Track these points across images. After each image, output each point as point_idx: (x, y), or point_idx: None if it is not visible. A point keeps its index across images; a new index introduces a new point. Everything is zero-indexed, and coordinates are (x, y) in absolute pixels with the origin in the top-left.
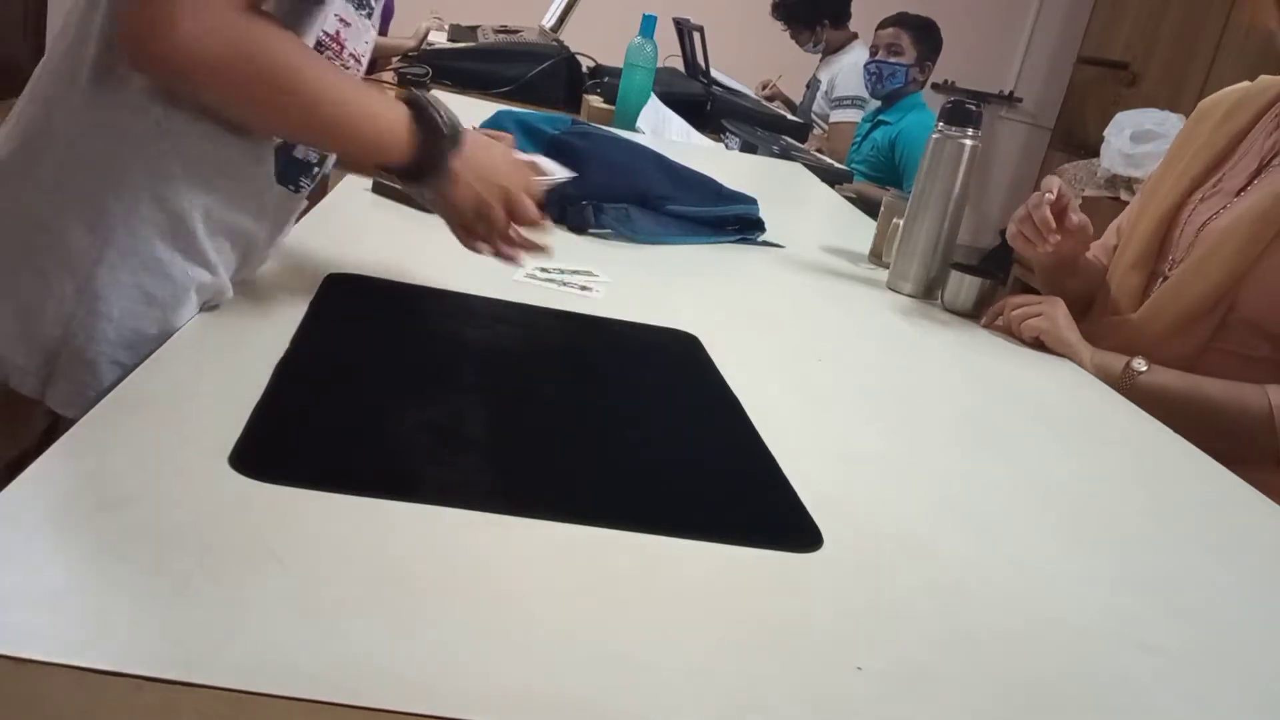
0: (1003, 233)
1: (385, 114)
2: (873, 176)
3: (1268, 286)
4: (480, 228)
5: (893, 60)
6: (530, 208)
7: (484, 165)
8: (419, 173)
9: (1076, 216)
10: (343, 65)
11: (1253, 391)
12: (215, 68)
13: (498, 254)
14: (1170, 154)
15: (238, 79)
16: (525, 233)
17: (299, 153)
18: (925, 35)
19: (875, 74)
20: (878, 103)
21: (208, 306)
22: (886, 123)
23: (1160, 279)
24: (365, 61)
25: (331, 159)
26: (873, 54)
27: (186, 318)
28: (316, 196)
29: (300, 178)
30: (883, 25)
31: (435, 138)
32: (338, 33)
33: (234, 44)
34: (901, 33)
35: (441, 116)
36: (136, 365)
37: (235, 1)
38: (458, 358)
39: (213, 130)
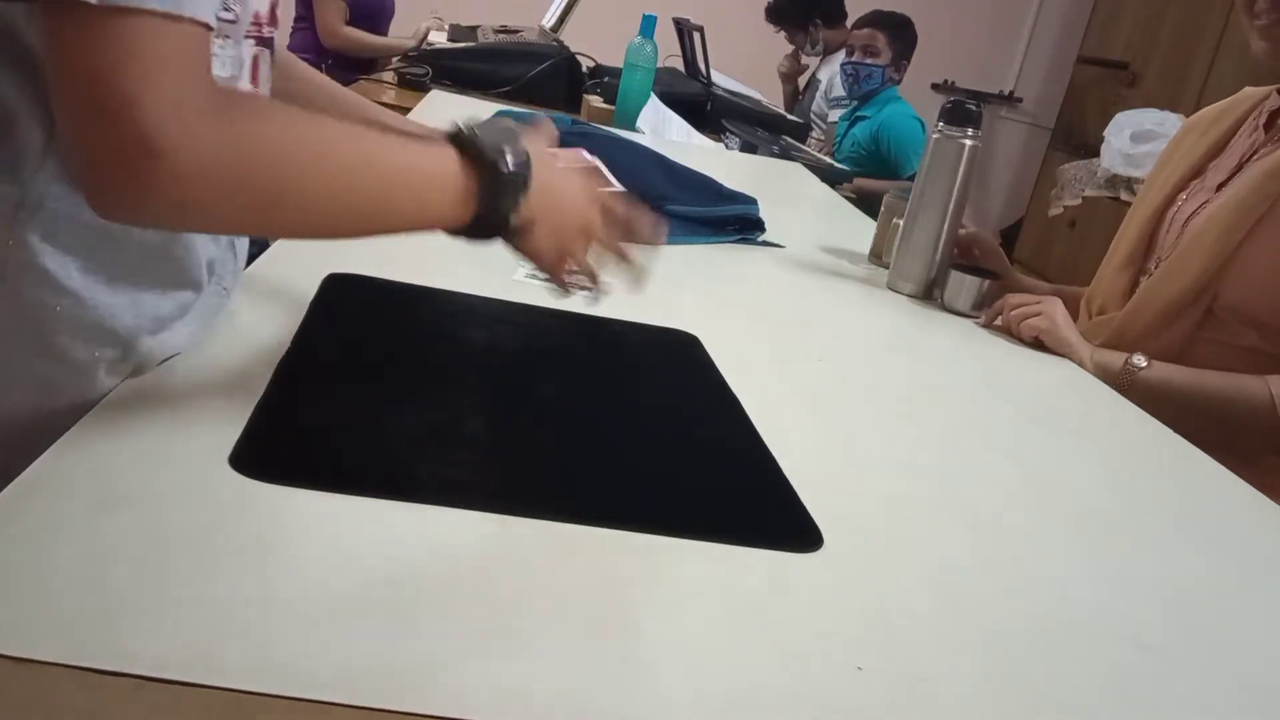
0: (1003, 232)
1: (426, 169)
2: (857, 173)
3: (1248, 274)
4: (567, 271)
5: (869, 61)
6: (613, 239)
7: (556, 204)
8: (487, 230)
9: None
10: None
11: (1253, 383)
12: (217, 175)
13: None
14: (1158, 165)
15: (244, 179)
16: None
17: None
18: (901, 33)
19: (852, 75)
20: (854, 101)
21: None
22: (864, 118)
23: (1147, 277)
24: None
25: None
26: (849, 54)
27: (101, 393)
28: None
29: None
30: (858, 25)
31: (495, 183)
32: None
33: (232, 136)
34: (877, 33)
35: (497, 151)
36: (25, 460)
37: (206, 88)
38: (458, 358)
39: None
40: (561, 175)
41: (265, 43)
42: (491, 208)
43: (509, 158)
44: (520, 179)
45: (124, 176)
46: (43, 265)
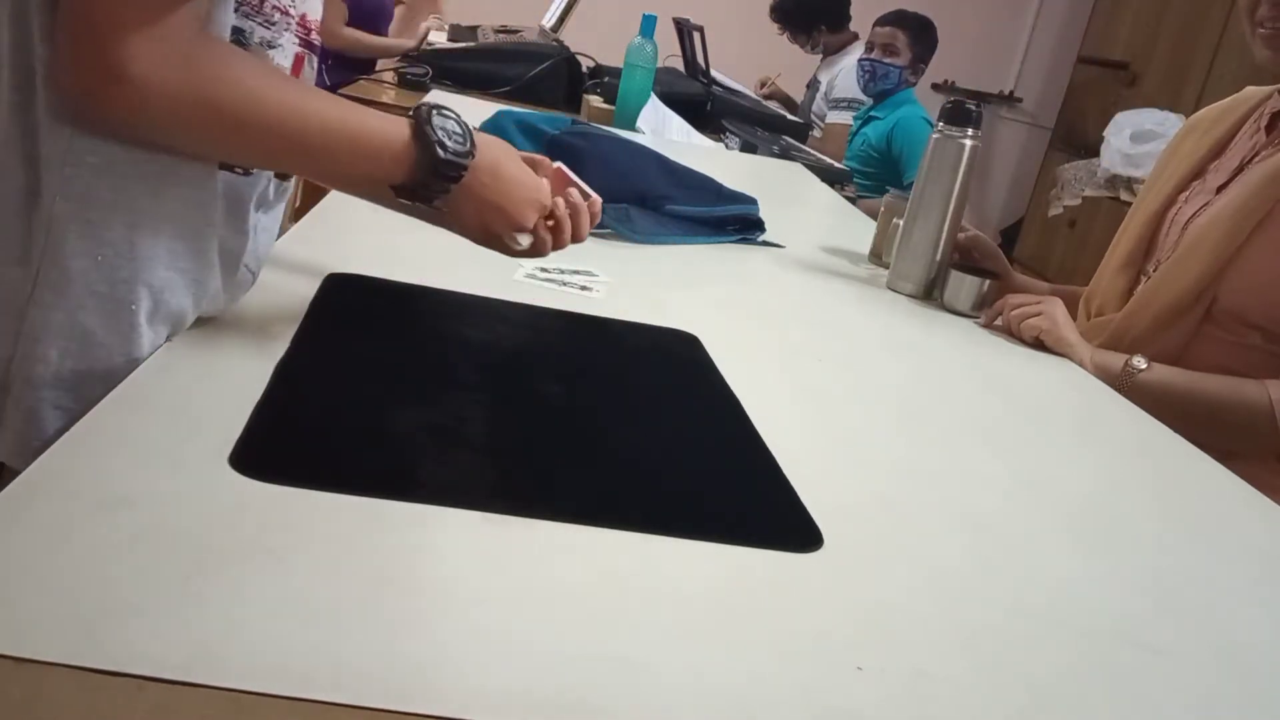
0: (1003, 233)
1: (374, 127)
2: (864, 173)
3: (1248, 278)
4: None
5: (887, 60)
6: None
7: (497, 193)
8: (414, 193)
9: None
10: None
11: (1253, 388)
12: (175, 110)
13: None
14: (1158, 165)
15: (201, 117)
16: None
17: None
18: (923, 35)
19: (869, 72)
20: (870, 100)
21: (174, 333)
22: (878, 118)
23: (1146, 278)
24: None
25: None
26: (868, 50)
27: (143, 350)
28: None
29: None
30: (880, 23)
31: (430, 161)
32: None
33: (195, 79)
34: (899, 33)
35: (442, 133)
36: (82, 409)
37: (191, 28)
38: (458, 358)
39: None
40: (515, 169)
41: (309, 46)
42: (420, 181)
43: (450, 145)
44: (456, 166)
45: (89, 92)
46: (86, 218)
